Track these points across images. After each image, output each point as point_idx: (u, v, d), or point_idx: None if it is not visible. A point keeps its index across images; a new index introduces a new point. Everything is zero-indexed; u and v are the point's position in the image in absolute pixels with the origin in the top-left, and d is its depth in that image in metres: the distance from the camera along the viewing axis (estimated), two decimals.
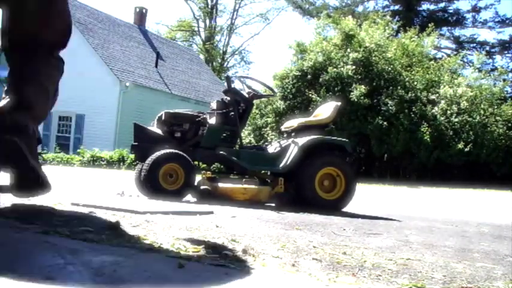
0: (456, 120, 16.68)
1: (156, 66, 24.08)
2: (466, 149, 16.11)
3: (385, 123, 16.37)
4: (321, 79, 17.44)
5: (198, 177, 4.55)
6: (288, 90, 18.04)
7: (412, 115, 16.63)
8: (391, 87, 17.09)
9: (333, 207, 4.56)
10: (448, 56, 23.18)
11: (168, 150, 4.35)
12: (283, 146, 4.86)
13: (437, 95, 17.40)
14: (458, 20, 30.77)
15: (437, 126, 16.48)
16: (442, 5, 30.93)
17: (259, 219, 3.26)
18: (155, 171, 4.24)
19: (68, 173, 11.29)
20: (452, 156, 16.29)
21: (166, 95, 22.79)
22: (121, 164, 17.17)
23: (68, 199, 3.26)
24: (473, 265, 2.17)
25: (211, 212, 3.35)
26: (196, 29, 42.32)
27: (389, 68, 17.50)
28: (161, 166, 4.26)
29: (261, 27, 69.76)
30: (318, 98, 16.46)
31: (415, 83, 17.47)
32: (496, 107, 17.89)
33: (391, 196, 9.42)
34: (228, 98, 4.84)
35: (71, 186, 6.41)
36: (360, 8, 31.47)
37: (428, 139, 16.12)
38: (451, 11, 30.97)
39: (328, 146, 4.90)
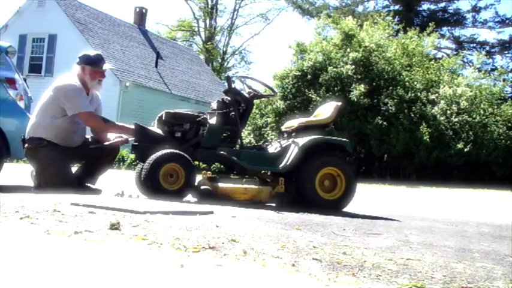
0: (456, 120, 16.67)
1: (156, 66, 24.06)
2: (465, 149, 16.10)
3: (384, 123, 16.36)
4: (320, 79, 17.42)
5: (199, 177, 4.55)
6: (288, 90, 18.03)
7: (412, 115, 16.62)
8: (391, 87, 17.08)
9: (333, 207, 4.56)
10: (448, 56, 23.16)
11: (168, 150, 4.35)
12: (283, 146, 4.86)
13: (437, 95, 17.39)
14: (458, 20, 30.74)
15: (437, 126, 16.47)
16: (442, 5, 30.92)
17: (259, 219, 3.26)
18: (155, 171, 4.23)
19: None
20: (452, 156, 16.28)
21: (166, 95, 22.78)
22: (121, 164, 17.16)
23: (68, 199, 3.26)
24: (473, 265, 2.17)
25: (211, 212, 3.35)
26: (196, 29, 42.28)
27: (389, 68, 17.48)
28: (161, 166, 4.26)
29: (261, 27, 69.40)
30: (318, 98, 16.46)
31: (415, 83, 17.45)
32: (496, 107, 17.87)
33: (391, 196, 9.42)
34: (229, 98, 4.83)
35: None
36: (360, 8, 31.48)
37: (428, 139, 16.10)
38: (451, 11, 30.97)
39: (329, 146, 4.90)
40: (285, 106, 17.77)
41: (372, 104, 16.94)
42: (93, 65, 4.61)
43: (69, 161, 4.67)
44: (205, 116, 4.80)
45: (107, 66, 4.74)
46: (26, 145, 4.54)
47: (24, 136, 4.57)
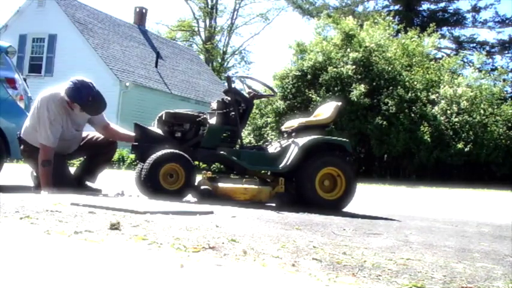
0: (456, 120, 16.67)
1: (156, 66, 24.06)
2: (466, 149, 16.09)
3: (385, 123, 16.35)
4: (320, 79, 17.42)
5: (199, 177, 4.55)
6: (288, 90, 18.02)
7: (412, 115, 16.61)
8: (391, 87, 17.07)
9: (333, 207, 4.56)
10: (448, 56, 23.15)
11: (168, 150, 4.35)
12: (283, 146, 4.86)
13: (437, 95, 17.39)
14: (458, 20, 30.73)
15: (437, 126, 16.47)
16: (442, 5, 30.90)
17: (259, 219, 3.26)
18: (155, 171, 4.23)
19: None
20: (452, 156, 16.28)
21: (166, 95, 22.77)
22: (121, 164, 17.16)
23: (68, 199, 3.26)
24: (473, 265, 2.17)
25: (211, 212, 3.35)
26: (196, 29, 42.28)
27: (390, 68, 17.48)
28: (161, 166, 4.26)
29: (261, 27, 69.34)
30: (318, 98, 16.45)
31: (415, 83, 17.45)
32: (496, 107, 17.86)
33: (391, 196, 9.42)
34: (229, 98, 4.83)
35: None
36: (360, 8, 31.45)
37: (428, 139, 16.10)
38: (451, 11, 30.94)
39: (329, 146, 4.90)
40: (285, 106, 17.77)
41: (372, 104, 16.93)
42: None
43: (66, 161, 4.68)
44: (205, 116, 4.80)
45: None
46: (22, 146, 4.52)
47: (20, 134, 4.54)
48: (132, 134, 4.74)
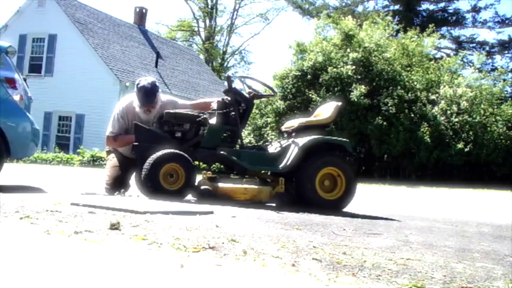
0: (456, 120, 16.68)
1: (156, 66, 24.05)
2: (466, 149, 16.10)
3: (385, 123, 16.36)
4: (320, 79, 17.42)
5: (199, 177, 4.55)
6: (288, 90, 18.02)
7: (412, 115, 16.62)
8: (391, 87, 17.07)
9: (333, 207, 4.56)
10: (448, 56, 23.16)
11: (168, 150, 4.35)
12: (283, 146, 4.85)
13: (437, 95, 17.40)
14: (458, 20, 30.75)
15: (437, 126, 16.47)
16: (442, 5, 30.93)
17: (259, 219, 3.26)
18: (155, 171, 4.23)
19: (67, 173, 11.29)
20: (452, 156, 16.29)
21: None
22: None
23: (68, 199, 3.26)
24: (473, 265, 2.17)
25: (211, 212, 3.35)
26: (196, 29, 42.29)
27: (389, 68, 17.49)
28: (162, 166, 4.25)
29: (261, 27, 69.38)
30: (318, 98, 16.45)
31: (415, 83, 17.46)
32: (496, 107, 17.88)
33: (391, 196, 9.42)
34: (229, 98, 4.83)
35: (71, 186, 6.41)
36: (360, 8, 31.48)
37: (428, 139, 16.10)
38: (451, 11, 30.97)
39: (329, 146, 4.89)
40: (285, 106, 17.76)
41: (372, 104, 16.93)
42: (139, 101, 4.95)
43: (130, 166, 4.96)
44: (205, 116, 4.80)
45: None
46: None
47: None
48: (211, 99, 5.27)
